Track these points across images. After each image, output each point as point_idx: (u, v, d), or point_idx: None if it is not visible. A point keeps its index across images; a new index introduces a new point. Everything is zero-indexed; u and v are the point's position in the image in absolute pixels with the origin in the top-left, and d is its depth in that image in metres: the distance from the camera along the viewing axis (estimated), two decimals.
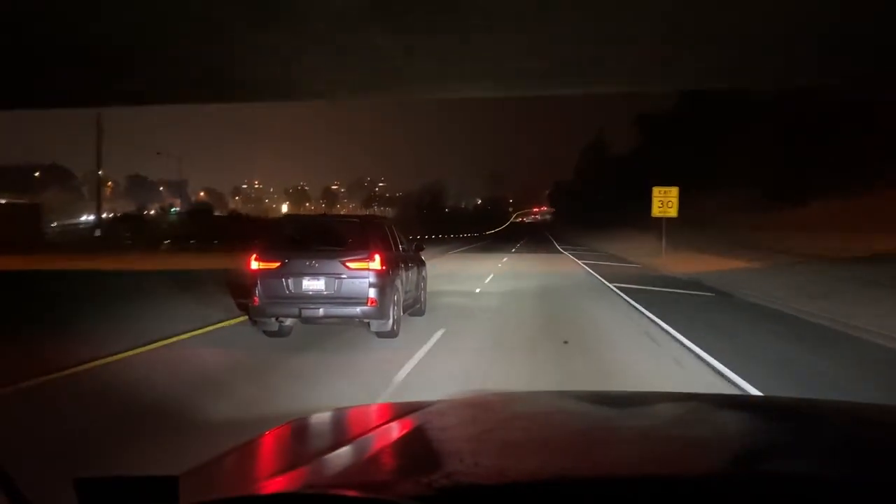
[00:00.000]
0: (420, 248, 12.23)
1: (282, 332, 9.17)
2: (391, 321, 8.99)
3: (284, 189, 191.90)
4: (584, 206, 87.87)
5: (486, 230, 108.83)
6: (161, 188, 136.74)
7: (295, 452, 1.52)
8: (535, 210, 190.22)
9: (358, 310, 8.76)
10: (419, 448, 1.34)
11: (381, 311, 8.79)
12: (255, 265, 8.95)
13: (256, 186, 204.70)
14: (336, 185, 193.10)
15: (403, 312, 9.82)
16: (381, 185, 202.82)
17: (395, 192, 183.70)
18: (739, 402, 1.97)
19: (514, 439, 1.29)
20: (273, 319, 8.96)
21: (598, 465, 1.15)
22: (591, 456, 1.19)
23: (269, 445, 1.54)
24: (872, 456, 1.21)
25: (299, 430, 1.68)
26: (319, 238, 9.34)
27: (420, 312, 11.31)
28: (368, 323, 8.95)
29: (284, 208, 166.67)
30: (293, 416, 1.77)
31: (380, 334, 9.01)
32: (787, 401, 2.11)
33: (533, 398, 1.99)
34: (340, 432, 1.70)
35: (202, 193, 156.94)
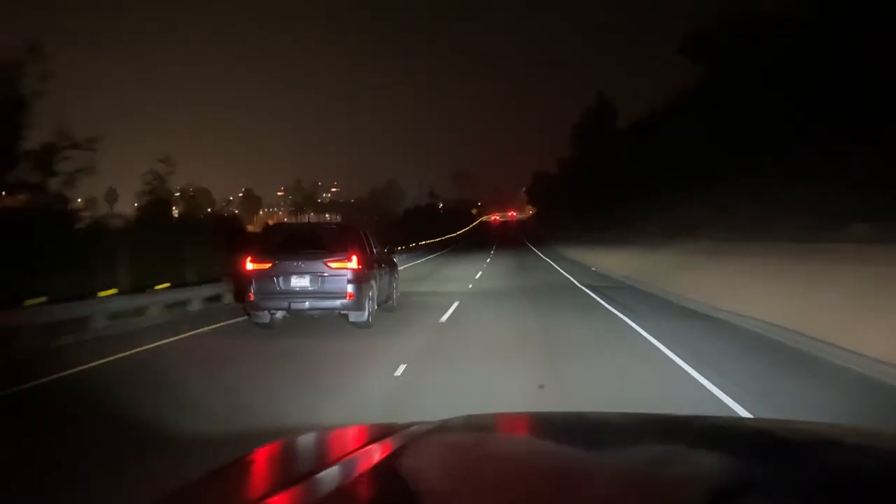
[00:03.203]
0: (392, 252, 13.81)
1: (272, 324, 10.63)
2: (366, 313, 10.52)
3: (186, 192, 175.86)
4: (583, 200, 62.46)
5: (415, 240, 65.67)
6: None
7: (255, 484, 1.48)
8: (511, 213, 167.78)
9: (338, 303, 10.28)
10: (389, 483, 1.30)
11: (357, 304, 10.32)
12: (249, 266, 10.39)
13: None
14: (282, 191, 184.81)
15: (377, 307, 11.37)
16: (333, 190, 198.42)
17: (349, 198, 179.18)
18: (730, 428, 1.97)
19: (488, 476, 1.28)
20: (266, 312, 10.41)
21: None
22: (566, 496, 1.18)
23: (234, 475, 1.49)
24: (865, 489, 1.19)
25: (262, 459, 1.64)
26: (304, 242, 10.84)
27: (391, 308, 12.88)
28: (347, 314, 10.47)
29: (176, 213, 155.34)
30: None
31: (356, 324, 10.53)
32: (784, 426, 2.13)
33: (512, 424, 1.97)
34: (307, 461, 1.65)
35: None
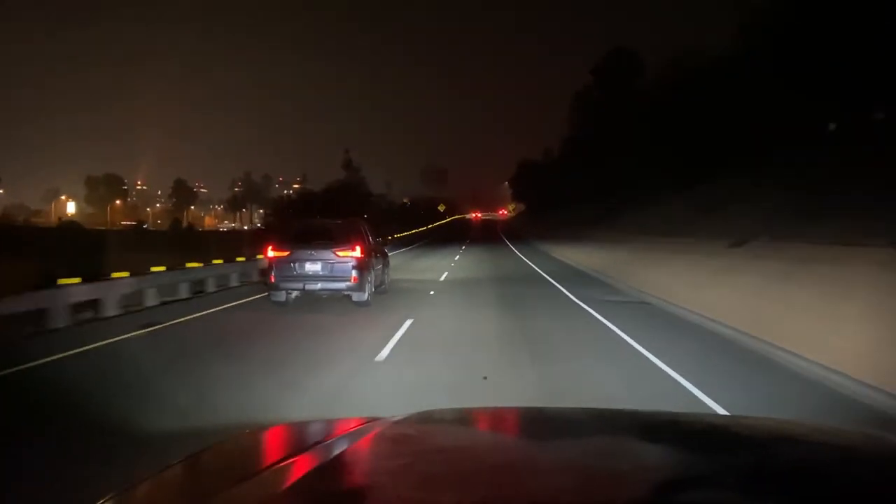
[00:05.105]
0: (385, 244, 16.03)
1: (287, 302, 12.70)
2: (367, 294, 12.70)
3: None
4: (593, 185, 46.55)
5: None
6: None
7: (209, 480, 1.45)
8: (502, 212, 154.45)
9: (343, 285, 12.43)
10: (345, 477, 1.32)
11: (360, 286, 12.49)
12: (271, 254, 12.48)
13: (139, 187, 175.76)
14: (238, 187, 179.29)
15: (374, 289, 13.53)
16: (296, 186, 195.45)
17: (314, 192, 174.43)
18: (684, 423, 1.95)
19: (436, 471, 1.29)
20: (284, 292, 12.50)
21: (513, 498, 1.17)
22: (509, 488, 1.21)
23: (187, 471, 1.49)
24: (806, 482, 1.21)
25: (219, 453, 1.64)
26: (317, 234, 12.96)
27: (384, 291, 15.06)
28: (350, 294, 12.62)
29: (71, 207, 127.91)
30: None
31: (359, 304, 12.68)
32: (737, 421, 2.24)
33: (471, 419, 2.04)
34: (260, 457, 1.64)
35: None
